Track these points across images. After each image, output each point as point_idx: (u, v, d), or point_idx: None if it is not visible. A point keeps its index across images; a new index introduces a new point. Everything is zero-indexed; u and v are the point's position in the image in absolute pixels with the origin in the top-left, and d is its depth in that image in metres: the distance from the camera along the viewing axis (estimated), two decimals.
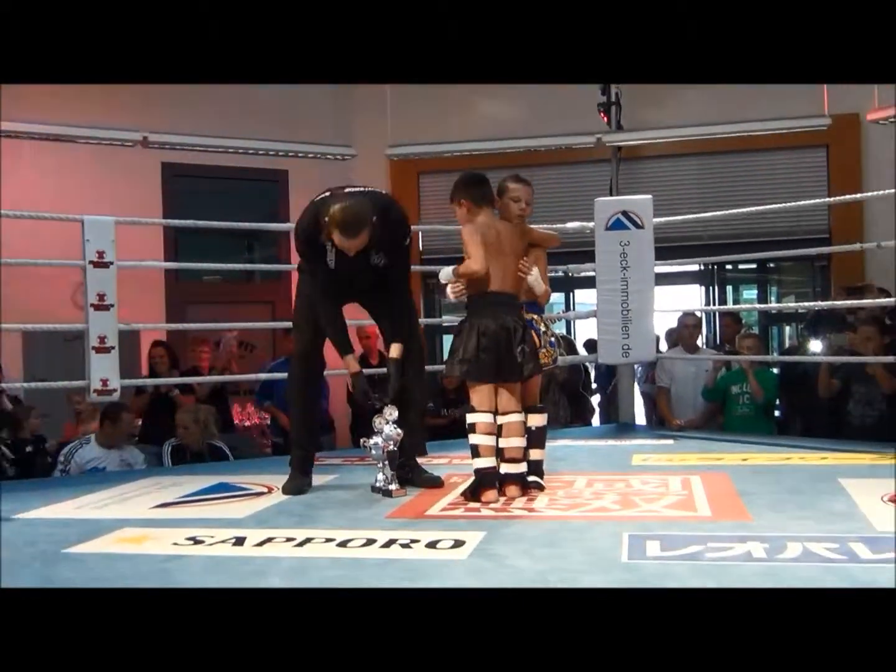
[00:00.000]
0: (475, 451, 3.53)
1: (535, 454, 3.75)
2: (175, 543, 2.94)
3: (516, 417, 3.59)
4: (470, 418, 3.56)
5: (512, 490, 3.55)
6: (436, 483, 3.88)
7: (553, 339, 3.85)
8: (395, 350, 3.79)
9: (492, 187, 3.74)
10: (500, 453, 3.59)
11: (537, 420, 3.78)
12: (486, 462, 3.52)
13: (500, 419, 3.59)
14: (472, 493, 3.50)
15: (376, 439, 3.65)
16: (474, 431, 3.53)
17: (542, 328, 3.80)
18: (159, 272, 8.05)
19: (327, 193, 3.72)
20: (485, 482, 3.50)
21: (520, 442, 3.59)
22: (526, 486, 3.62)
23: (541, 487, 3.69)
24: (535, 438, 3.77)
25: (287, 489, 3.82)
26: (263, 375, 6.22)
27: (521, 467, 3.60)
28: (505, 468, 3.58)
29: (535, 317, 3.79)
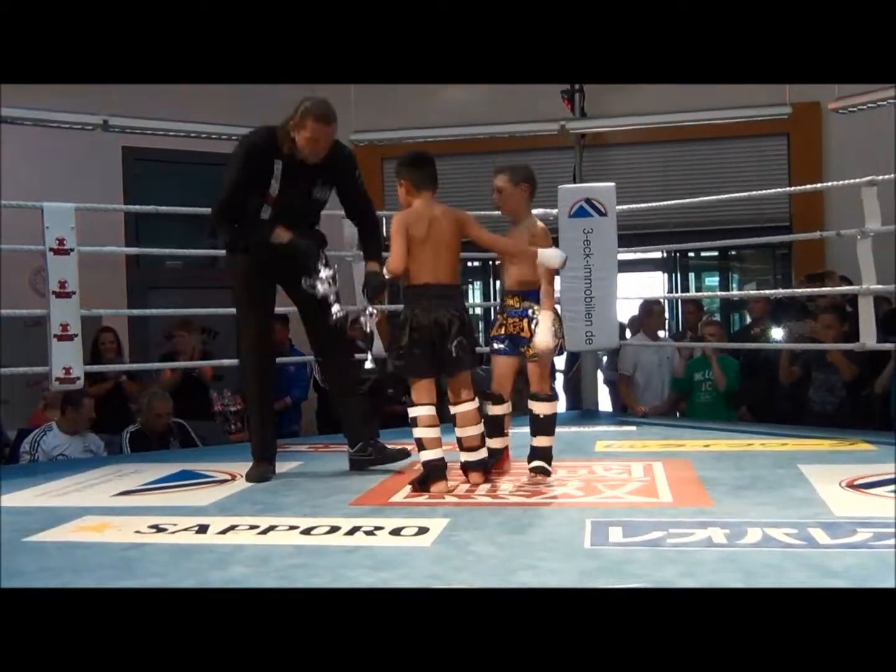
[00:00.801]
0: (419, 444, 3.52)
1: (540, 441, 3.73)
2: (137, 531, 2.92)
3: (468, 406, 3.57)
4: (411, 412, 3.55)
5: (474, 477, 3.57)
6: (404, 454, 3.97)
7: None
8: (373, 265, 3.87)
9: (435, 169, 3.62)
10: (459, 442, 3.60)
11: (542, 408, 3.74)
12: (432, 454, 3.49)
13: (453, 409, 3.59)
14: (421, 485, 3.49)
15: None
16: (416, 425, 3.52)
17: (537, 316, 3.71)
18: (120, 256, 7.96)
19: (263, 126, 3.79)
20: (433, 474, 3.48)
21: (475, 430, 3.57)
22: (487, 472, 3.62)
23: (546, 473, 3.68)
24: (540, 425, 3.75)
25: (251, 476, 3.81)
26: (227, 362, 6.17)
27: (481, 454, 3.59)
28: (464, 456, 3.59)
29: (535, 305, 3.73)
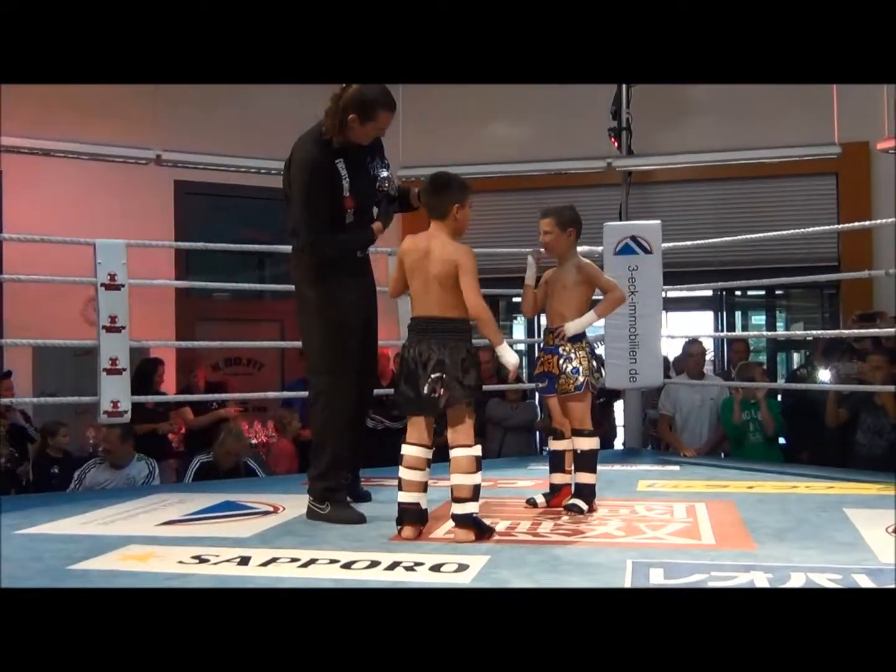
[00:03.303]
0: (399, 484, 3.38)
1: (581, 477, 3.79)
2: (180, 562, 2.94)
3: (459, 452, 3.30)
4: (402, 449, 3.42)
5: (459, 534, 3.26)
6: (365, 498, 4.00)
7: (578, 365, 3.78)
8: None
9: (447, 199, 3.39)
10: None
11: (582, 444, 3.79)
12: (406, 496, 3.33)
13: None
14: (397, 524, 3.38)
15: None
16: (400, 464, 3.38)
17: (568, 354, 3.79)
18: (170, 288, 8.10)
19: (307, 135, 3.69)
20: (403, 517, 3.34)
21: (464, 479, 3.27)
22: (478, 527, 3.28)
23: (580, 511, 3.70)
24: (580, 462, 3.80)
25: (341, 519, 3.62)
26: (272, 395, 6.28)
27: (466, 507, 3.27)
28: (452, 507, 3.33)
29: (566, 345, 3.80)
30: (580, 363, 3.79)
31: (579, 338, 3.85)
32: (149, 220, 7.92)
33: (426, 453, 3.37)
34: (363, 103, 3.53)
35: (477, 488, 3.29)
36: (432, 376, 3.27)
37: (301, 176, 3.60)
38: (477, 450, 3.31)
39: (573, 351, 3.81)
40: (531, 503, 3.88)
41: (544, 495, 3.91)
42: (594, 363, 3.87)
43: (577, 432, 3.81)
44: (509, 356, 3.37)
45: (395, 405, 3.51)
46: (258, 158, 7.67)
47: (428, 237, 3.39)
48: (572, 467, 3.87)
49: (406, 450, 3.37)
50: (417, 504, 3.34)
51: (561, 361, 3.80)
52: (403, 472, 3.35)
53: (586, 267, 3.89)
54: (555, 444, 3.93)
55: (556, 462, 3.93)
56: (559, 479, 3.91)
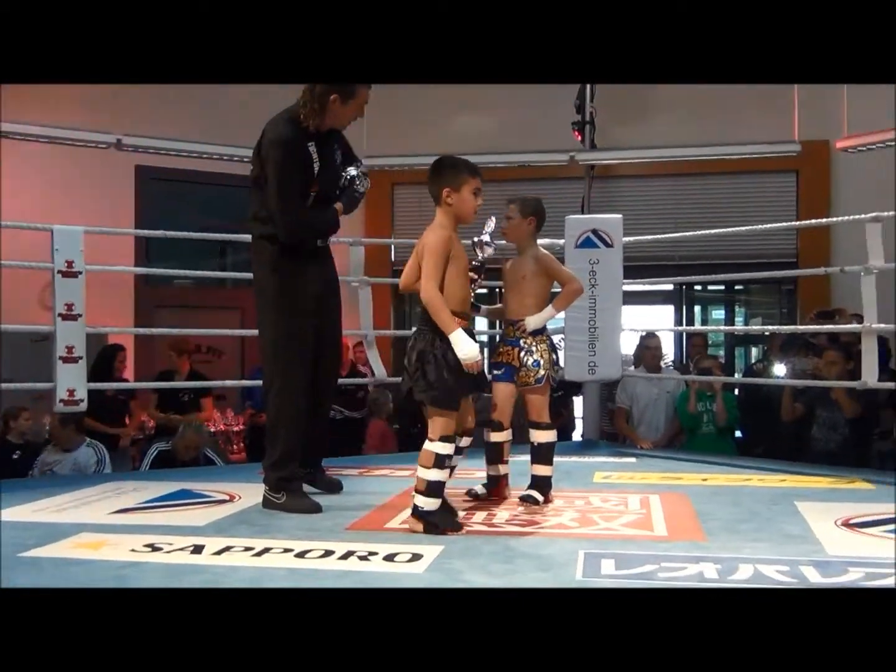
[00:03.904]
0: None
1: (537, 469, 3.83)
2: (133, 550, 2.93)
3: (424, 445, 3.29)
4: None
5: (410, 521, 3.29)
6: (336, 487, 3.98)
7: (539, 358, 3.82)
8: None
9: (437, 183, 3.39)
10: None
11: (539, 437, 3.83)
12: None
13: None
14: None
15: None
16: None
17: (529, 347, 3.83)
18: (129, 275, 8.02)
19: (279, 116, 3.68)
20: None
21: (420, 472, 3.25)
22: (427, 522, 3.24)
23: (535, 502, 3.72)
24: (536, 454, 3.84)
25: (296, 508, 3.62)
26: (231, 383, 6.25)
27: (418, 500, 3.25)
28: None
29: (527, 337, 3.84)
30: (541, 356, 3.82)
31: (540, 331, 3.88)
32: (109, 205, 7.84)
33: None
34: (332, 92, 3.55)
35: (432, 484, 3.24)
36: (408, 369, 3.28)
37: (275, 153, 3.58)
38: (437, 446, 3.23)
39: (534, 344, 3.84)
40: (472, 494, 3.88)
41: (483, 486, 3.92)
42: (554, 356, 3.90)
43: (535, 425, 3.84)
44: (463, 345, 3.18)
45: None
46: (221, 145, 7.62)
47: (430, 226, 3.38)
48: (507, 459, 3.90)
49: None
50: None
51: (522, 354, 3.83)
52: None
53: (544, 258, 3.92)
54: (493, 436, 3.89)
55: (494, 454, 3.89)
56: (497, 470, 3.90)
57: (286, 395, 3.70)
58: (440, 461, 3.25)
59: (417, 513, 3.26)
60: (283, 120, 3.63)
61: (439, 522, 3.25)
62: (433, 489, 3.26)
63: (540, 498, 3.75)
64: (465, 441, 3.56)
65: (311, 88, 3.58)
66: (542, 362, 3.81)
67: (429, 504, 3.26)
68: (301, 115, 3.60)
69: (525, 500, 3.76)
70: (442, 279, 3.25)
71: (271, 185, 3.60)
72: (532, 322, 3.83)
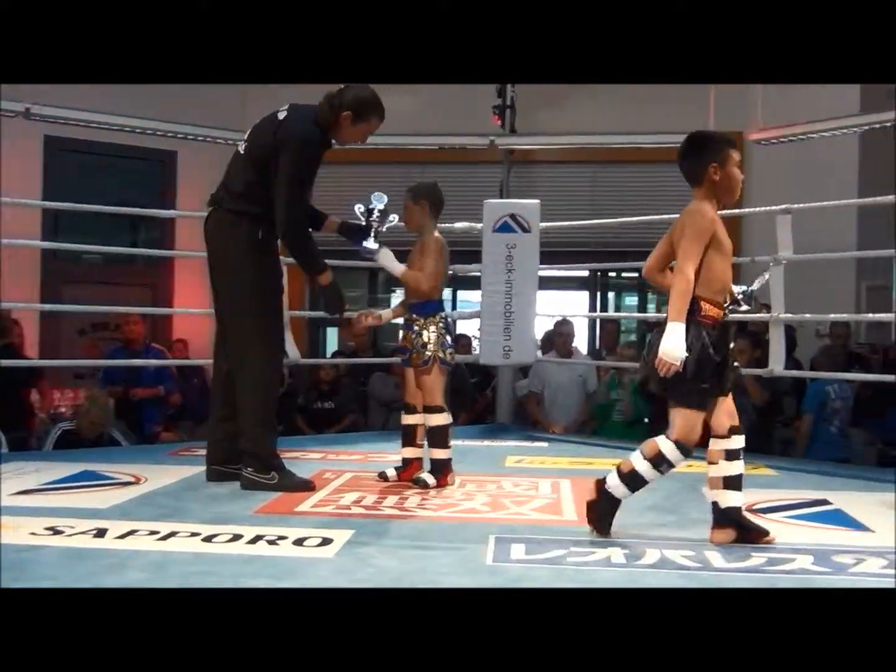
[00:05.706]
0: None
1: (433, 453, 3.88)
2: (33, 533, 2.85)
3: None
4: None
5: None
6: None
7: (426, 340, 3.84)
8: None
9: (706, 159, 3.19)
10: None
11: (431, 420, 3.86)
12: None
13: None
14: None
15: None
16: None
17: (420, 329, 3.86)
18: (36, 248, 7.78)
19: (286, 108, 3.71)
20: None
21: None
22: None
23: (425, 486, 3.75)
24: (430, 437, 3.88)
25: (290, 487, 3.64)
26: (138, 361, 6.13)
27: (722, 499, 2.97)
28: None
29: (419, 319, 3.88)
30: (429, 338, 3.84)
31: (433, 312, 3.88)
32: (14, 175, 7.57)
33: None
34: (362, 103, 3.70)
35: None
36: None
37: (300, 149, 3.61)
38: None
39: (425, 326, 3.85)
40: (382, 477, 3.92)
41: (396, 469, 3.94)
42: (447, 338, 3.90)
43: (428, 409, 3.86)
44: (673, 340, 2.95)
45: None
46: (135, 117, 7.43)
47: None
48: (424, 441, 3.94)
49: None
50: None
51: (413, 336, 3.87)
52: None
53: (427, 242, 3.92)
54: (406, 419, 3.98)
55: (408, 436, 3.97)
56: (410, 452, 3.96)
57: (271, 373, 3.80)
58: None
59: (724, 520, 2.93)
60: (310, 120, 3.67)
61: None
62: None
63: (431, 481, 3.77)
64: None
65: (330, 99, 3.67)
66: (429, 344, 3.83)
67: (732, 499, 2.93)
68: (323, 121, 3.68)
69: (416, 482, 3.79)
70: (700, 263, 3.04)
71: (285, 175, 3.59)
72: (383, 315, 4.05)
